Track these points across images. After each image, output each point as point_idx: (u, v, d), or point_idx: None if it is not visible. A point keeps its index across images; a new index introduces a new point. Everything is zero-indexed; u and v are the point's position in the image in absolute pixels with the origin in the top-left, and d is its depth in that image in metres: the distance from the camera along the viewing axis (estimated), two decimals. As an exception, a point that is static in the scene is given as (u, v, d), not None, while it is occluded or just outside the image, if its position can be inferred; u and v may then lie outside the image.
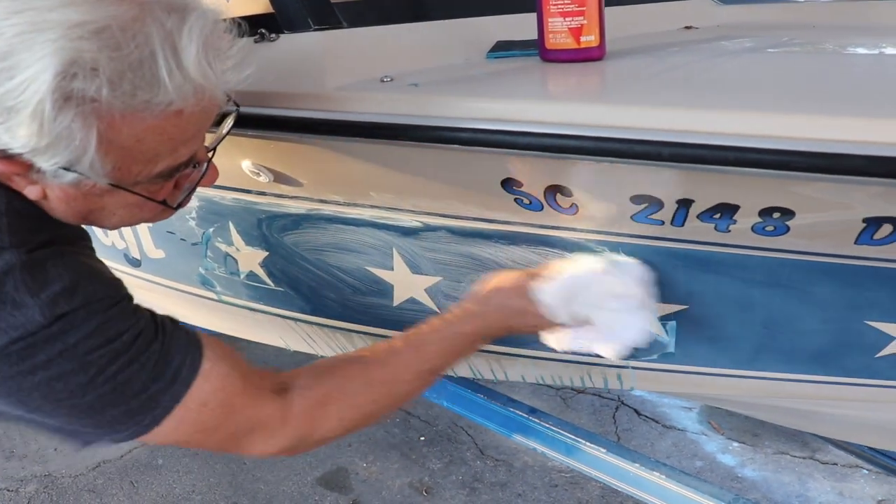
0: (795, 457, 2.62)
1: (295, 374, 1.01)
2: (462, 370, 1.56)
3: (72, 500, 2.54)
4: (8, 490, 2.62)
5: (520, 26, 1.31)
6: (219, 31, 0.80)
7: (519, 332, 1.13)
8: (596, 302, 1.09)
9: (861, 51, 1.22)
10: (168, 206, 0.89)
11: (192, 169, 0.88)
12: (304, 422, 0.98)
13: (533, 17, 1.22)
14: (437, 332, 1.08)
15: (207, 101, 0.79)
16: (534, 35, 1.22)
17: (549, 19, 1.09)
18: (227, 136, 1.02)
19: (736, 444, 2.72)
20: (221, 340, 0.96)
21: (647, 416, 2.89)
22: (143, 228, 1.77)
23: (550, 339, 1.16)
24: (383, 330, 1.52)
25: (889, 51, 1.19)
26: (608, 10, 1.14)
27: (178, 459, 2.73)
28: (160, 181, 0.84)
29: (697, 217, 1.03)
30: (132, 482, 2.63)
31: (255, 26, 1.26)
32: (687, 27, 1.50)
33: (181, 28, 0.75)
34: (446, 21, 1.34)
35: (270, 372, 1.00)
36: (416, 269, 1.36)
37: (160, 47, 0.73)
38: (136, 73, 0.72)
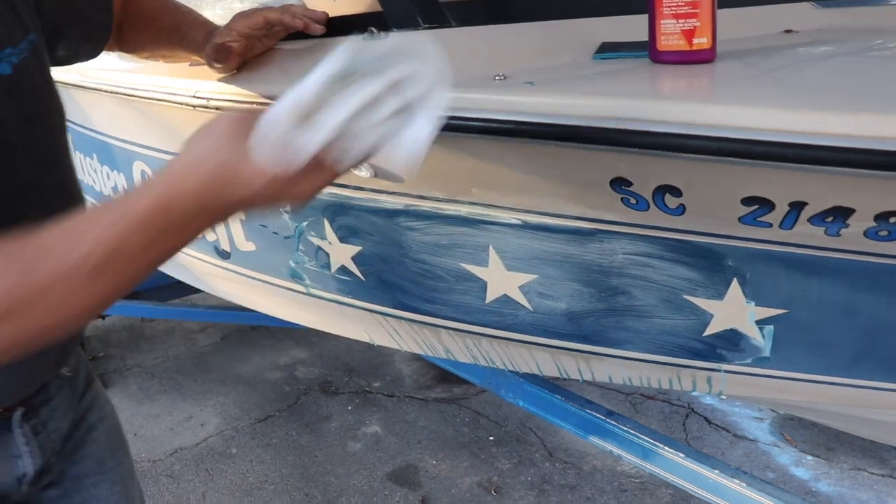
0: (873, 474, 2.56)
1: None
2: (548, 368, 1.56)
3: (151, 483, 2.62)
4: (91, 471, 2.71)
5: (620, 28, 1.32)
6: None
7: (247, 200, 0.70)
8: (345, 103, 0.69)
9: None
10: None
11: None
12: None
13: (633, 19, 1.22)
14: (94, 219, 0.70)
15: None
16: (635, 37, 1.22)
17: (662, 21, 1.10)
18: None
19: (810, 457, 2.67)
20: None
21: (717, 425, 2.86)
22: (235, 222, 1.82)
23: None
24: (473, 326, 1.54)
25: None
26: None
27: (251, 450, 2.80)
28: None
29: (808, 220, 1.02)
30: (207, 469, 2.70)
31: (364, 24, 1.30)
32: (787, 31, 1.49)
33: None
34: (546, 22, 1.35)
35: None
36: (511, 266, 1.37)
37: None
38: None
